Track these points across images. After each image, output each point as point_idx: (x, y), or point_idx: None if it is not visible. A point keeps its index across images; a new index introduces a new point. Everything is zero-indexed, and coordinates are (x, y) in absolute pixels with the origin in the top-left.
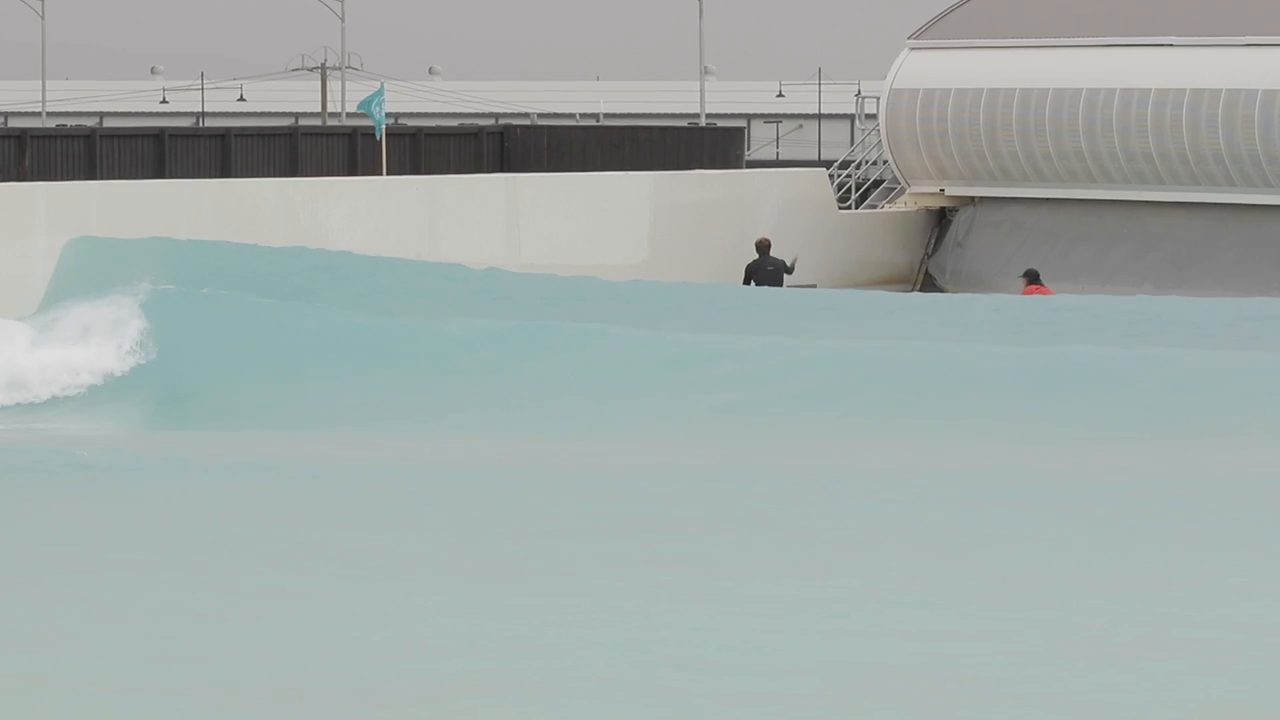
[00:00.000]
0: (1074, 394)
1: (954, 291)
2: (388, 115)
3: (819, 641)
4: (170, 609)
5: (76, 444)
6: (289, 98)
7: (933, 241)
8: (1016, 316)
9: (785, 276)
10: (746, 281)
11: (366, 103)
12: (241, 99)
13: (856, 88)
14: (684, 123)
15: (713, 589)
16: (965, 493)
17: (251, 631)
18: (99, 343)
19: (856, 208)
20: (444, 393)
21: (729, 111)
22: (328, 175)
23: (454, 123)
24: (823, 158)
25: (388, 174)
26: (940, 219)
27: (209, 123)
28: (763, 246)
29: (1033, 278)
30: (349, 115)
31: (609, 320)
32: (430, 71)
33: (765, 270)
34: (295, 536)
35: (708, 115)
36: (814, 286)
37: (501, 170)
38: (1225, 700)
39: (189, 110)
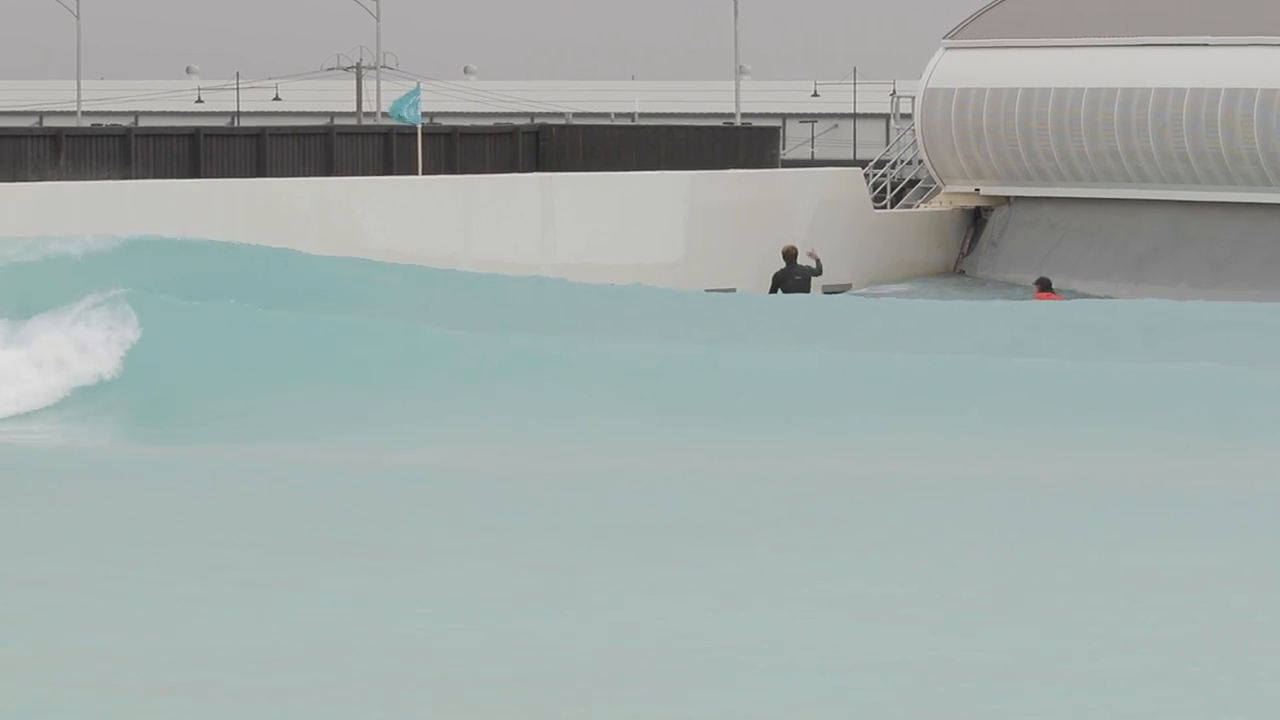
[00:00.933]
0: (1074, 406)
1: (989, 290)
2: (423, 115)
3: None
4: (167, 611)
5: (58, 453)
6: (324, 97)
7: (968, 241)
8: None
9: (814, 281)
10: (774, 291)
11: (398, 104)
12: (277, 99)
13: (892, 87)
14: (719, 122)
15: (721, 589)
16: (974, 502)
17: (242, 633)
18: (69, 350)
19: (892, 207)
20: (422, 402)
21: (764, 111)
22: (363, 175)
23: (489, 122)
24: (858, 157)
25: (423, 173)
26: (975, 218)
27: (244, 122)
28: (789, 254)
29: (1044, 285)
30: (384, 115)
31: (616, 331)
32: (465, 71)
33: (793, 279)
34: (282, 541)
35: (743, 115)
36: (849, 286)
37: (537, 170)
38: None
39: (224, 110)
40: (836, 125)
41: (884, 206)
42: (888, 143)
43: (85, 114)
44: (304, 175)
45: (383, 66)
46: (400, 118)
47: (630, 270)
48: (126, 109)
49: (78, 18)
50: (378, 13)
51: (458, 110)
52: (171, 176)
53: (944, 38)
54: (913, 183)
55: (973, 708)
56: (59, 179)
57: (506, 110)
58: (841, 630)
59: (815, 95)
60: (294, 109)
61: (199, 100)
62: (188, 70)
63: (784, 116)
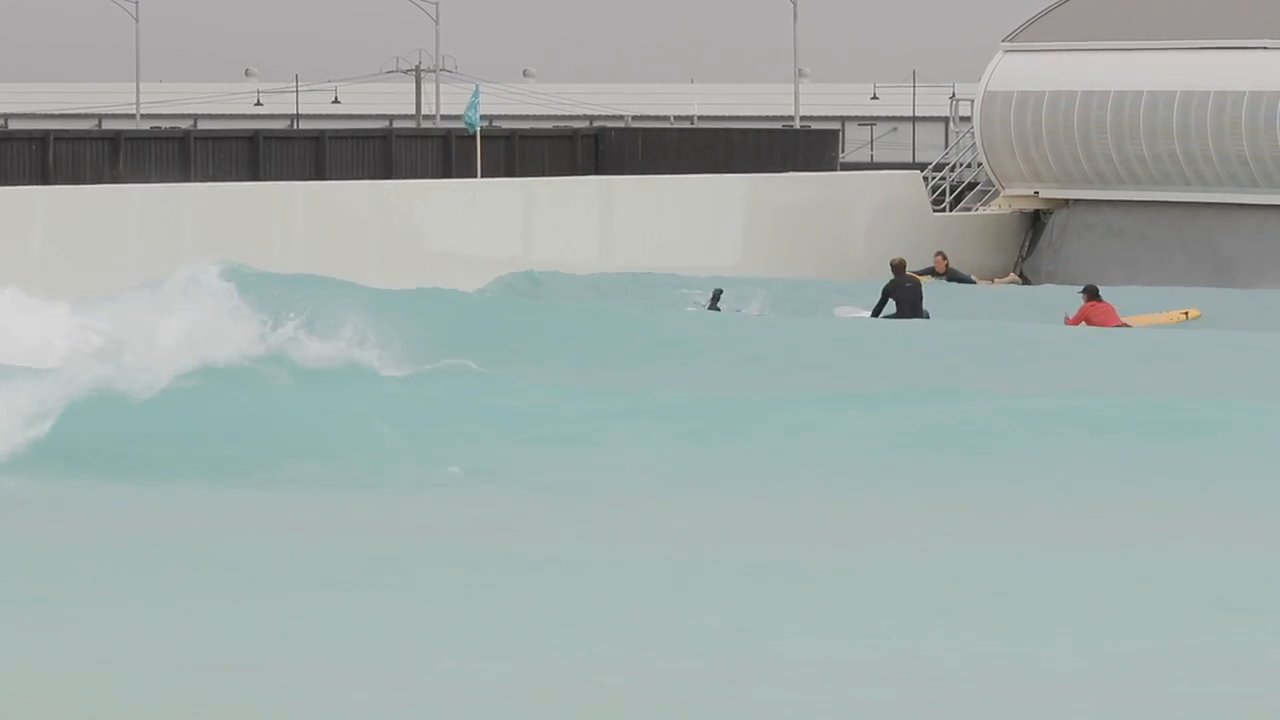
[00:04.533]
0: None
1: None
2: (482, 118)
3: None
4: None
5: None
6: (383, 100)
7: (1027, 244)
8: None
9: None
10: (884, 300)
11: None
12: (336, 101)
13: (951, 90)
14: (778, 125)
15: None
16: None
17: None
18: None
19: (951, 210)
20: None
21: (823, 114)
22: (422, 177)
23: (548, 125)
24: (917, 160)
25: (482, 176)
26: (1034, 221)
27: (303, 125)
28: (899, 266)
29: (1092, 294)
30: (444, 118)
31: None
32: (524, 74)
33: (904, 288)
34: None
35: (802, 118)
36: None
37: (596, 173)
38: None
39: (283, 113)
40: (895, 128)
41: (943, 209)
42: (947, 146)
43: (144, 116)
44: (363, 178)
45: (441, 70)
46: (470, 124)
47: (689, 273)
48: (185, 111)
49: (136, 20)
50: (437, 16)
51: (517, 113)
52: (231, 179)
53: (1003, 40)
54: (971, 186)
55: None
56: (118, 181)
57: (565, 113)
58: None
59: (874, 98)
60: (353, 112)
61: (258, 103)
62: (246, 73)
63: (843, 119)
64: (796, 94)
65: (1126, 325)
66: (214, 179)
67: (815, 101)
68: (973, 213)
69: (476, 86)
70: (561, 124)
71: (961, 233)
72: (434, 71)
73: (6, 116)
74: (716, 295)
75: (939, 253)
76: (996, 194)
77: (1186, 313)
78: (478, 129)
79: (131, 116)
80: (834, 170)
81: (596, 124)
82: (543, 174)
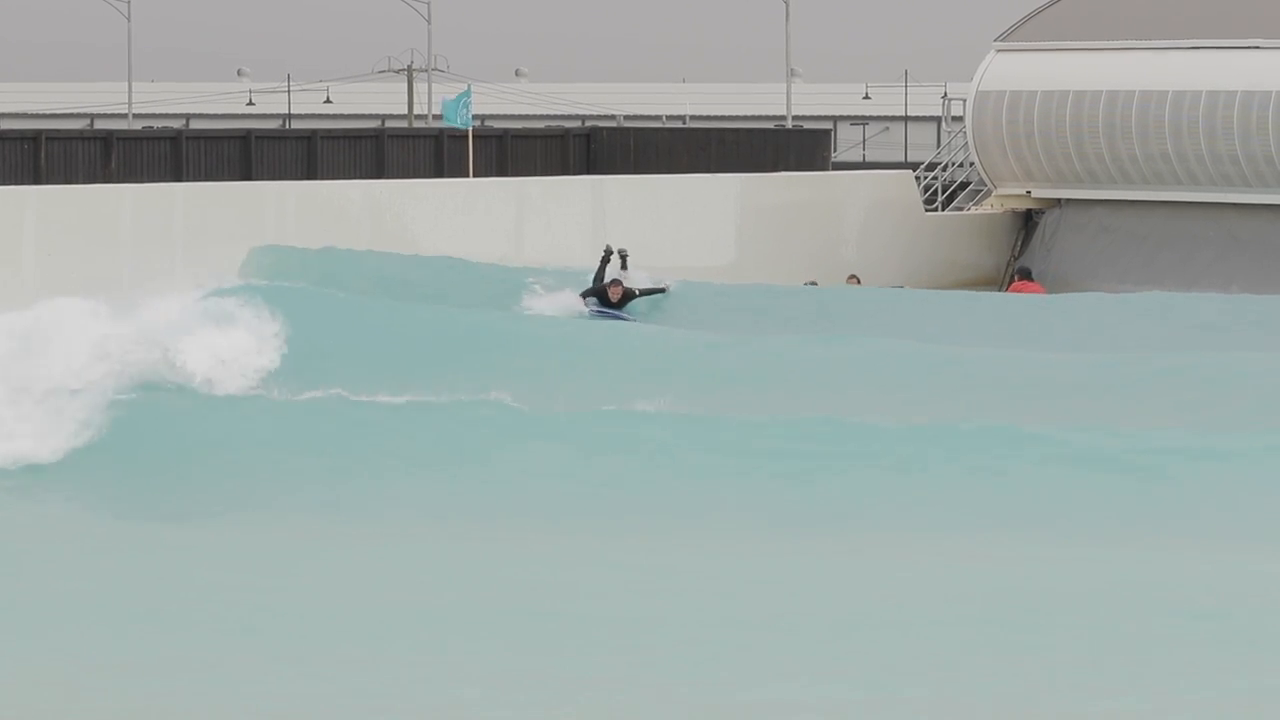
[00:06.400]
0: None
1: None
2: (474, 117)
3: None
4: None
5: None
6: (375, 100)
7: (1019, 243)
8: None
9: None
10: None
11: (449, 106)
12: (328, 101)
13: (943, 90)
14: (770, 125)
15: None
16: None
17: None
18: None
19: (943, 210)
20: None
21: (815, 114)
22: (414, 177)
23: (540, 125)
24: (909, 160)
25: (474, 176)
26: (1027, 221)
27: (295, 125)
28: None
29: (1024, 274)
30: (435, 117)
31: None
32: (516, 74)
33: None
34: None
35: (794, 117)
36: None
37: (588, 172)
38: None
39: (275, 113)
40: (888, 128)
41: (935, 209)
42: (939, 145)
43: (136, 116)
44: (355, 177)
45: (434, 69)
46: (450, 121)
47: (680, 273)
48: (177, 111)
49: (128, 19)
50: (429, 15)
51: (509, 113)
52: (223, 179)
53: (995, 40)
54: (964, 185)
55: None
56: (110, 181)
57: (557, 113)
58: None
59: (866, 98)
60: (345, 111)
61: (250, 103)
62: (239, 73)
63: (835, 119)
64: (789, 94)
65: None
66: (206, 179)
67: (807, 101)
68: (965, 212)
69: (468, 87)
70: (553, 123)
71: (954, 232)
72: (426, 71)
73: None
74: (618, 255)
75: (852, 275)
76: (989, 193)
77: None
78: (469, 128)
79: (124, 116)
80: (826, 170)
81: (588, 123)
82: (534, 173)
